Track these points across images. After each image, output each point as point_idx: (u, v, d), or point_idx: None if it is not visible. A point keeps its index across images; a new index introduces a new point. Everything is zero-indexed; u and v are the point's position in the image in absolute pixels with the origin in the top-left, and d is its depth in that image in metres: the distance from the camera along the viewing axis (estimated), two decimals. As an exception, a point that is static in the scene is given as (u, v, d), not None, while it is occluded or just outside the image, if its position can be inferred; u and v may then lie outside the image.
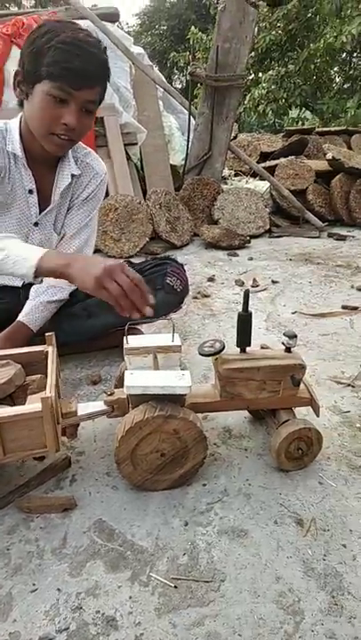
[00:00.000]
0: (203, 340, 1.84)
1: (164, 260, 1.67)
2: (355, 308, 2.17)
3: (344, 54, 11.05)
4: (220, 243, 3.25)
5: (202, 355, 1.13)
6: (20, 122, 1.35)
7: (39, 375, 1.17)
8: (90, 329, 1.56)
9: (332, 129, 6.51)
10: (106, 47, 1.27)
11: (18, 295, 1.56)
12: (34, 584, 0.90)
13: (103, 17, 3.67)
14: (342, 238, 3.55)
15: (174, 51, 15.08)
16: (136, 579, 0.91)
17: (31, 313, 1.47)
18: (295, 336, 1.15)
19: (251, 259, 3.04)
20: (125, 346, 1.15)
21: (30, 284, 1.53)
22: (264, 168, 4.12)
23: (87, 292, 1.10)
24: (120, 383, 1.27)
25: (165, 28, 18.27)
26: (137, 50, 3.88)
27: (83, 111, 1.24)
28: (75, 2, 3.54)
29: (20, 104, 1.32)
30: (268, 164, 4.49)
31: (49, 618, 0.84)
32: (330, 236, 3.65)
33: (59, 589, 0.89)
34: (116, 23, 4.03)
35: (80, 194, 1.51)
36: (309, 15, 10.32)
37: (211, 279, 2.61)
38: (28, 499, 1.07)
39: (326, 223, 3.85)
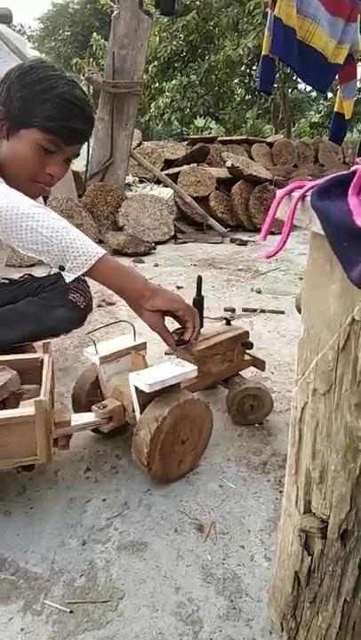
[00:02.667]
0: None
1: None
2: (254, 310, 2.24)
3: (243, 67, 11.50)
4: (126, 249, 3.23)
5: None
6: None
7: (35, 385, 1.15)
8: None
9: (234, 138, 6.75)
10: (91, 101, 1.30)
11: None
12: None
13: (-6, 17, 3.52)
14: (243, 243, 3.67)
15: (78, 57, 14.88)
16: (29, 608, 0.85)
17: None
18: (234, 310, 1.35)
19: (157, 265, 3.05)
20: (96, 356, 1.17)
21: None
22: (167, 175, 4.17)
23: (145, 310, 1.10)
24: (97, 394, 1.26)
25: (69, 33, 17.97)
26: (33, 53, 3.77)
27: (66, 161, 1.26)
28: None
29: None
30: (170, 171, 4.54)
31: None
32: (232, 241, 3.76)
33: None
34: (15, 26, 3.89)
35: None
36: (209, 27, 10.64)
37: (115, 286, 2.58)
38: None
39: (228, 229, 3.97)
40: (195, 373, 1.11)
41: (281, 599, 0.76)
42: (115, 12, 3.25)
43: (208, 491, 1.13)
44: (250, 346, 1.33)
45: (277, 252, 0.48)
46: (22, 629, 0.82)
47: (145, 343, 1.27)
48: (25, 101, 1.16)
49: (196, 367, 1.11)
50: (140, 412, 1.09)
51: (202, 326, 1.28)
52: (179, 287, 2.58)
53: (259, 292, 2.52)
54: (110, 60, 3.27)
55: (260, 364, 1.38)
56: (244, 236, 3.88)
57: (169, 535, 1.00)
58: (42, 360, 1.19)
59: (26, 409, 0.98)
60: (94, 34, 11.96)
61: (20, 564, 0.93)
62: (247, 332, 1.33)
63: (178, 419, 1.07)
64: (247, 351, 1.36)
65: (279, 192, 0.48)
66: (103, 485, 1.14)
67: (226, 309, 1.36)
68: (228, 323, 1.35)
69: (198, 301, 1.30)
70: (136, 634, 0.81)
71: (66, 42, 17.78)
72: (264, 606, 0.86)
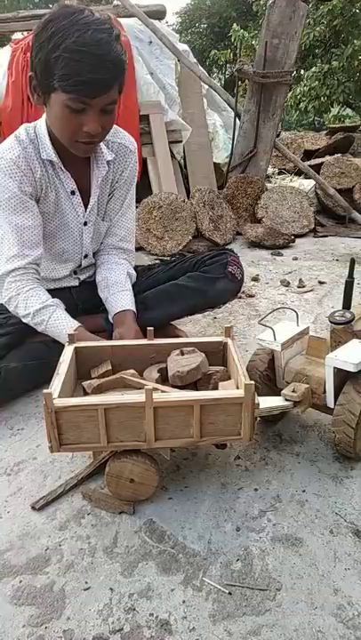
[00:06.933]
0: (249, 340, 1.81)
1: (224, 250, 1.68)
2: None
3: (390, 51, 10.72)
4: (264, 242, 3.20)
5: (333, 323, 1.17)
6: (47, 124, 1.29)
7: (221, 367, 1.21)
8: (148, 321, 1.53)
9: (378, 127, 6.34)
10: (119, 34, 1.15)
11: (70, 293, 1.58)
12: (86, 582, 0.89)
13: (150, 14, 3.66)
14: (390, 239, 3.45)
15: (214, 49, 14.97)
16: (189, 582, 0.89)
17: (133, 303, 1.48)
18: None
19: (295, 258, 2.98)
20: (276, 343, 1.19)
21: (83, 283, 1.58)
22: (309, 166, 4.04)
23: None
24: (269, 379, 1.27)
25: (205, 26, 18.20)
26: (182, 47, 3.85)
27: (103, 112, 1.19)
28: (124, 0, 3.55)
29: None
30: (312, 162, 4.40)
31: (102, 617, 0.83)
32: (377, 236, 3.55)
33: (111, 589, 0.88)
34: (163, 20, 4.02)
35: (120, 176, 1.49)
36: (355, 10, 10.08)
37: (255, 279, 2.57)
38: (92, 490, 1.08)
39: (373, 223, 3.74)
40: None
41: None
42: (270, 1, 3.20)
43: (364, 496, 1.08)
44: None
45: None
46: (184, 602, 0.86)
47: (308, 327, 1.28)
48: (42, 64, 1.12)
49: None
50: (335, 395, 1.12)
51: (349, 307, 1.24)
52: (321, 282, 2.50)
53: None
54: (262, 50, 3.23)
55: None
56: (391, 231, 3.64)
57: (324, 535, 0.98)
58: (225, 343, 1.24)
59: (235, 390, 1.03)
60: (234, 25, 11.94)
61: (179, 538, 0.98)
62: None
63: None
64: None
65: None
66: (254, 475, 1.15)
67: None
68: None
69: (350, 283, 1.23)
70: (295, 627, 0.81)
71: (201, 34, 18.02)
72: None
